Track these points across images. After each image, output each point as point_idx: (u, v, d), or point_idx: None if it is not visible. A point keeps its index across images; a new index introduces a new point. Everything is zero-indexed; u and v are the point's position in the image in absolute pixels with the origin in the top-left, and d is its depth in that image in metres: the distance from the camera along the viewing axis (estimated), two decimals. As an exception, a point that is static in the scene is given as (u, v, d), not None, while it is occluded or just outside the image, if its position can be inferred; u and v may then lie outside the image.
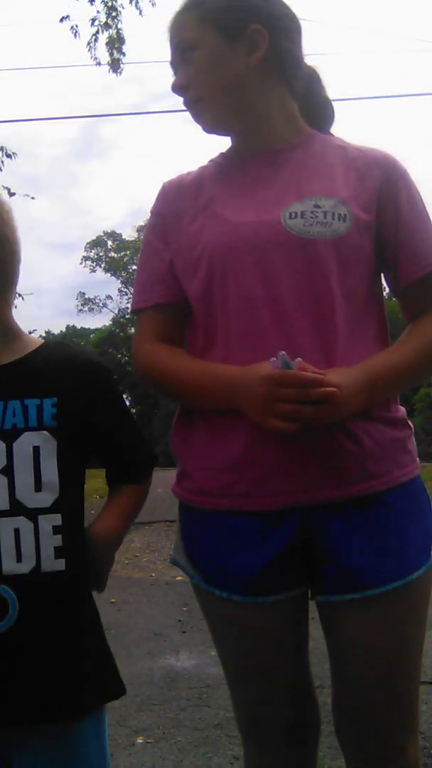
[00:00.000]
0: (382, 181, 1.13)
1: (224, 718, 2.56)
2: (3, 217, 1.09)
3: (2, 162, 9.00)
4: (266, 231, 1.09)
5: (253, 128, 1.19)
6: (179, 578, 5.03)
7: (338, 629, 1.13)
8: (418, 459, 1.17)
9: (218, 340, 1.13)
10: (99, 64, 8.35)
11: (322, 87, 1.28)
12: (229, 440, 1.10)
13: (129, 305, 1.29)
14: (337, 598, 1.09)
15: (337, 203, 1.10)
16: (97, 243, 42.16)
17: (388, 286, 1.20)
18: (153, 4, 8.18)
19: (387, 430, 1.11)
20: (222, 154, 1.25)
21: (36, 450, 1.06)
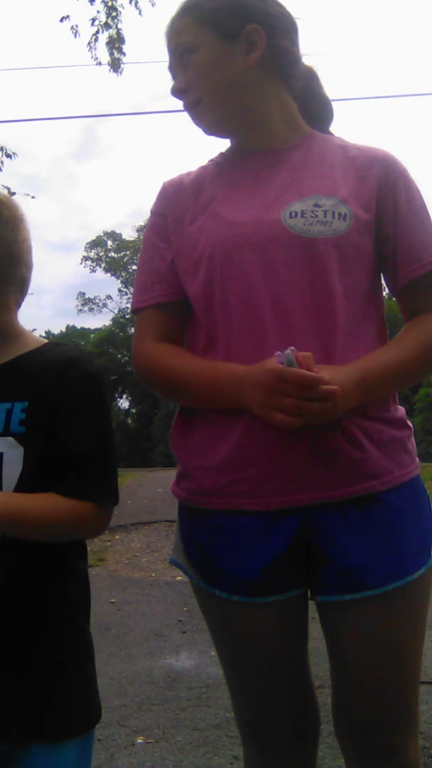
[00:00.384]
0: (382, 179, 1.14)
1: (224, 718, 2.56)
2: (1, 216, 1.07)
3: (2, 162, 9.01)
4: (267, 230, 1.09)
5: (253, 128, 1.19)
6: (179, 578, 5.03)
7: (338, 629, 1.13)
8: (417, 459, 1.17)
9: (219, 339, 1.13)
10: (99, 64, 8.36)
11: (321, 86, 1.28)
12: (228, 440, 1.10)
13: (129, 305, 1.28)
14: (337, 598, 1.09)
15: (337, 202, 1.10)
16: (97, 243, 42.16)
17: (387, 284, 1.20)
18: (153, 4, 8.19)
19: (387, 430, 1.11)
20: (222, 154, 1.25)
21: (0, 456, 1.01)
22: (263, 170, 1.17)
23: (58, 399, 1.02)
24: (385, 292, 1.24)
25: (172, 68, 1.20)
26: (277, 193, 1.13)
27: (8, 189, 9.05)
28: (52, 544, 1.02)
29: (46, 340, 1.14)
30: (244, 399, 1.05)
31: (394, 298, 1.23)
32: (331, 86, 1.29)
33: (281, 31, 1.17)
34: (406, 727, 1.14)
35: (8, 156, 9.08)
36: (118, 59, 8.31)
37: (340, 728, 1.17)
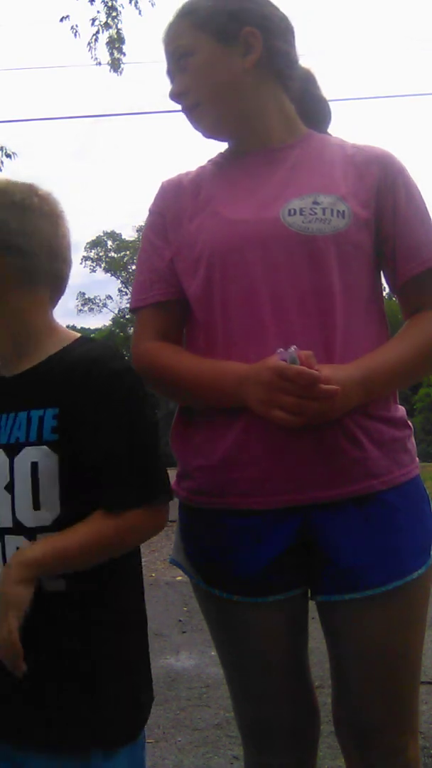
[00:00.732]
0: (381, 177, 1.14)
1: (224, 718, 2.56)
2: (28, 203, 1.05)
3: (2, 162, 9.01)
4: (266, 228, 1.10)
5: (251, 130, 1.19)
6: (179, 578, 5.03)
7: (338, 629, 1.13)
8: (417, 459, 1.17)
9: (218, 338, 1.13)
10: (99, 64, 8.36)
11: (318, 87, 1.29)
12: (227, 439, 1.10)
13: (129, 305, 1.28)
14: (337, 598, 1.09)
15: (336, 200, 1.10)
16: (97, 243, 42.15)
17: (387, 283, 1.20)
18: (153, 4, 8.19)
19: (387, 430, 1.11)
20: (221, 154, 1.26)
21: (34, 466, 0.99)
22: (262, 169, 1.17)
23: (83, 403, 0.99)
24: (386, 292, 1.24)
25: (170, 72, 1.21)
26: (275, 191, 1.13)
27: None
28: (64, 612, 1.00)
29: (78, 335, 1.10)
30: (245, 397, 1.05)
31: (393, 299, 1.23)
32: (330, 86, 1.29)
33: (277, 34, 1.18)
34: (406, 726, 1.14)
35: (8, 156, 9.08)
36: (118, 59, 8.31)
37: (340, 728, 1.17)
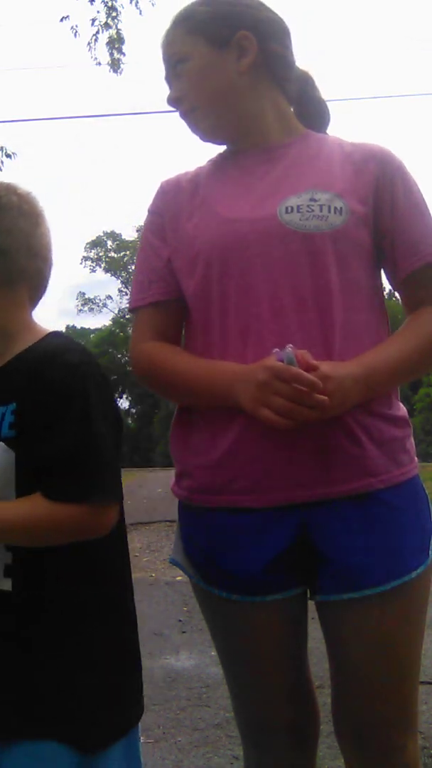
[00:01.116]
0: (379, 173, 1.14)
1: (224, 718, 2.56)
2: (6, 201, 1.05)
3: (2, 162, 9.01)
4: (263, 226, 1.10)
5: (248, 132, 1.20)
6: (179, 578, 5.03)
7: (337, 629, 1.13)
8: (416, 458, 1.17)
9: (216, 336, 1.14)
10: (99, 64, 8.37)
11: (316, 89, 1.30)
12: (226, 438, 1.10)
13: (128, 305, 1.28)
14: (336, 597, 1.09)
15: (333, 197, 1.10)
16: (97, 243, 42.18)
17: (387, 278, 1.20)
18: (153, 4, 8.19)
19: (387, 428, 1.11)
20: (219, 155, 1.26)
21: None
22: (259, 167, 1.18)
23: (38, 397, 0.97)
24: (386, 292, 1.24)
25: (168, 78, 1.22)
26: (273, 188, 1.14)
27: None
28: (82, 544, 0.99)
29: (48, 331, 1.09)
30: (237, 395, 1.05)
31: (393, 298, 1.23)
32: (329, 86, 1.30)
33: (272, 36, 1.19)
34: (406, 726, 1.14)
35: (8, 156, 9.08)
36: (118, 59, 8.32)
37: (340, 728, 1.17)
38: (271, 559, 1.09)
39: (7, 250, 1.04)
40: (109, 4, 8.06)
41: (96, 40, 8.20)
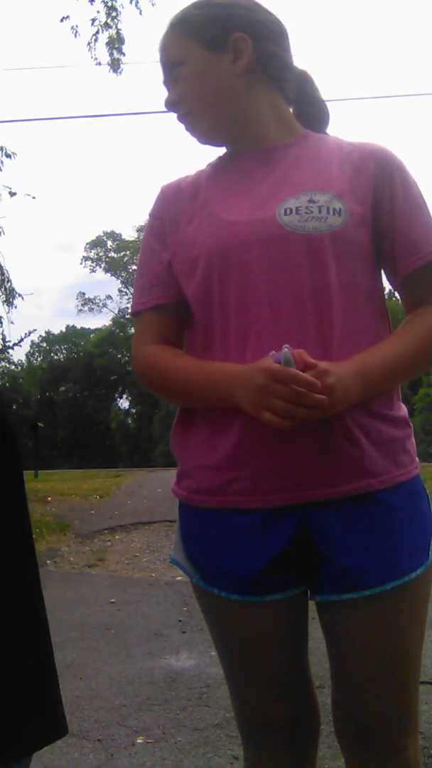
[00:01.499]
0: (377, 173, 1.14)
1: (224, 718, 2.56)
2: None
3: (2, 162, 9.02)
4: (262, 228, 1.10)
5: (246, 134, 1.20)
6: (179, 578, 5.03)
7: (337, 629, 1.13)
8: (417, 459, 1.17)
9: (217, 338, 1.14)
10: (99, 64, 8.39)
11: (315, 89, 1.29)
12: (226, 439, 1.10)
13: (129, 305, 1.29)
14: (336, 598, 1.09)
15: (332, 197, 1.11)
16: (97, 243, 42.20)
17: (388, 279, 1.20)
18: (153, 4, 8.21)
19: (387, 429, 1.11)
20: (219, 158, 1.27)
21: None
22: (258, 169, 1.18)
23: None
24: (386, 291, 1.24)
25: (165, 82, 1.23)
26: (271, 190, 1.14)
27: (9, 189, 9.06)
28: None
29: None
30: (237, 397, 1.05)
31: (393, 298, 1.23)
32: (327, 86, 1.30)
33: (268, 37, 1.19)
34: (406, 726, 1.14)
35: (8, 156, 9.09)
36: (118, 59, 8.34)
37: (340, 728, 1.17)
38: (271, 559, 1.09)
39: None
40: (109, 4, 8.08)
41: (96, 40, 8.22)
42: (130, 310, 1.27)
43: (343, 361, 1.06)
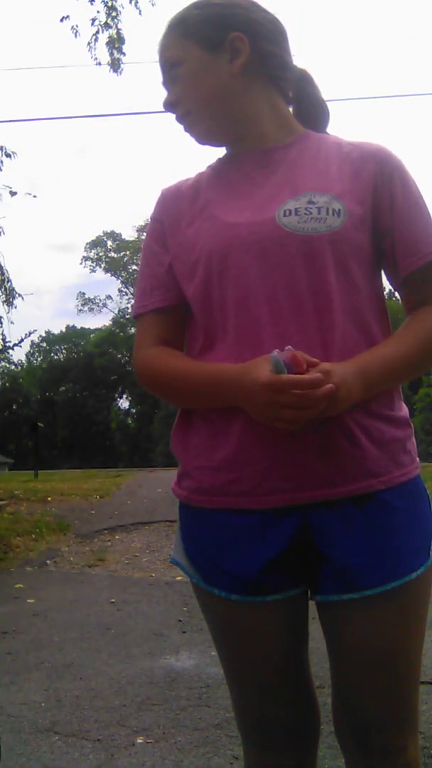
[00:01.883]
0: (377, 173, 1.14)
1: (224, 718, 2.56)
2: None
3: (2, 162, 9.02)
4: (261, 230, 1.10)
5: (244, 134, 1.20)
6: (179, 578, 5.03)
7: (338, 629, 1.13)
8: (418, 459, 1.17)
9: (217, 339, 1.14)
10: (99, 64, 8.38)
11: (315, 87, 1.29)
12: (226, 440, 1.10)
13: (129, 305, 1.29)
14: (336, 598, 1.09)
15: (331, 198, 1.11)
16: (97, 243, 42.20)
17: (388, 279, 1.20)
18: (153, 4, 8.20)
19: (387, 429, 1.11)
20: (219, 159, 1.27)
21: None
22: (258, 171, 1.18)
23: None
24: (386, 292, 1.24)
25: (164, 83, 1.23)
26: (271, 192, 1.14)
27: (9, 188, 9.07)
28: None
29: None
30: (240, 404, 1.06)
31: (393, 298, 1.23)
32: (329, 86, 1.30)
33: (266, 36, 1.19)
34: (406, 726, 1.14)
35: (8, 155, 9.09)
36: (118, 59, 8.33)
37: (340, 728, 1.17)
38: (271, 559, 1.09)
39: None
40: (109, 4, 8.07)
41: (96, 40, 8.21)
42: (131, 313, 1.28)
43: (343, 361, 1.06)
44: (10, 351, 9.90)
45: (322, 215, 1.09)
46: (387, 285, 1.23)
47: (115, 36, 8.24)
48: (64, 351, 49.03)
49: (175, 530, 1.24)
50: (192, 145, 1.29)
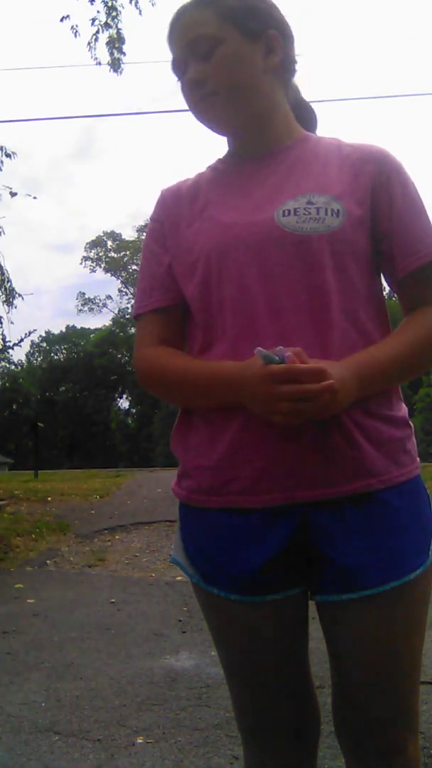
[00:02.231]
0: (376, 174, 1.15)
1: (224, 718, 2.56)
2: None
3: (2, 162, 9.02)
4: (261, 230, 1.11)
5: (257, 129, 1.20)
6: (179, 578, 5.04)
7: (337, 629, 1.13)
8: (418, 459, 1.17)
9: (217, 339, 1.14)
10: (99, 64, 8.38)
11: (299, 91, 1.31)
12: (225, 439, 1.10)
13: (129, 305, 1.29)
14: (336, 598, 1.10)
15: (330, 199, 1.11)
16: (97, 243, 42.22)
17: (386, 279, 1.20)
18: (153, 4, 8.20)
19: (386, 429, 1.11)
20: (219, 160, 1.27)
21: None
22: (258, 172, 1.18)
23: None
24: (385, 292, 1.24)
25: (183, 60, 1.18)
26: (271, 192, 1.15)
27: (10, 189, 9.07)
28: None
29: None
30: (242, 401, 1.06)
31: (393, 298, 1.23)
32: (328, 86, 1.31)
33: (290, 40, 1.21)
34: (406, 726, 1.14)
35: (8, 156, 9.10)
36: (118, 59, 8.34)
37: (340, 728, 1.17)
38: (271, 559, 1.09)
39: None
40: (109, 4, 8.07)
41: (96, 40, 8.21)
42: (131, 313, 1.28)
43: (340, 361, 1.06)
44: (10, 351, 9.90)
45: (320, 215, 1.10)
46: (386, 285, 1.23)
47: (115, 36, 8.24)
48: (64, 351, 49.07)
49: (175, 530, 1.24)
50: (192, 146, 1.30)
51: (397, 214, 1.14)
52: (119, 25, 8.22)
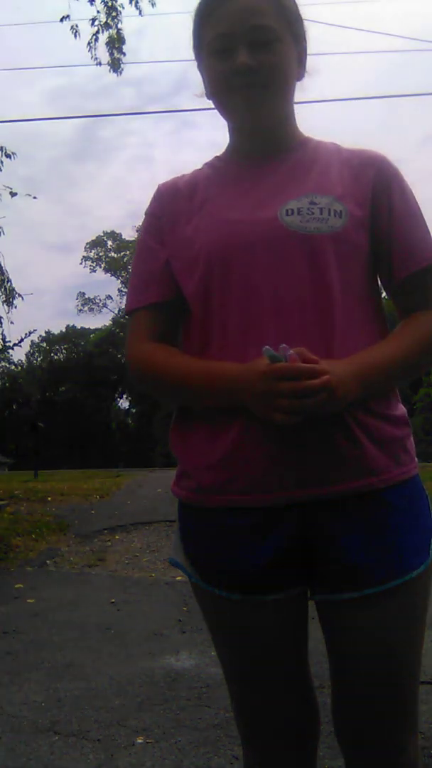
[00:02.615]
0: (376, 179, 1.16)
1: (224, 718, 2.56)
2: None
3: (2, 162, 9.02)
4: (264, 228, 1.11)
5: (275, 130, 1.21)
6: (179, 578, 5.03)
7: (337, 628, 1.13)
8: (416, 458, 1.17)
9: (215, 337, 1.14)
10: (99, 64, 8.38)
11: None
12: (225, 439, 1.10)
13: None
14: (336, 596, 1.10)
15: (332, 200, 1.12)
16: (97, 243, 42.22)
17: (382, 283, 1.21)
18: (153, 5, 8.20)
19: (387, 428, 1.12)
20: (217, 157, 1.27)
21: None
22: (259, 171, 1.19)
23: None
24: (384, 294, 1.24)
25: (231, 39, 1.14)
26: (273, 191, 1.15)
27: (10, 189, 9.07)
28: None
29: None
30: (241, 400, 1.06)
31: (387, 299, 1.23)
32: (329, 86, 1.31)
33: (307, 56, 1.23)
34: (406, 726, 1.14)
35: (8, 156, 9.09)
36: (118, 59, 8.33)
37: (340, 728, 1.17)
38: (271, 558, 1.09)
39: None
40: (109, 4, 8.06)
41: (96, 40, 8.21)
42: (125, 308, 1.27)
43: (341, 360, 1.06)
44: (10, 351, 9.89)
45: (324, 215, 1.10)
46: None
47: (115, 36, 8.24)
48: (64, 351, 49.06)
49: (174, 530, 1.24)
50: (192, 146, 1.29)
51: (395, 220, 1.15)
52: (119, 26, 8.22)
